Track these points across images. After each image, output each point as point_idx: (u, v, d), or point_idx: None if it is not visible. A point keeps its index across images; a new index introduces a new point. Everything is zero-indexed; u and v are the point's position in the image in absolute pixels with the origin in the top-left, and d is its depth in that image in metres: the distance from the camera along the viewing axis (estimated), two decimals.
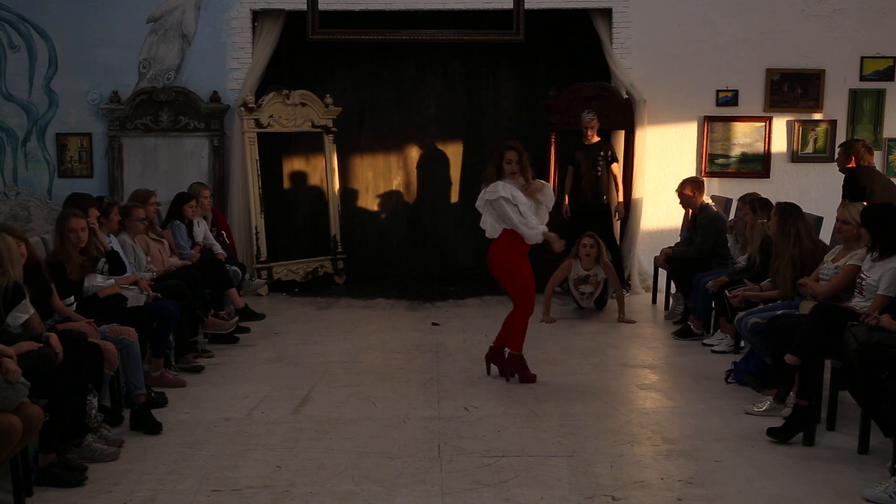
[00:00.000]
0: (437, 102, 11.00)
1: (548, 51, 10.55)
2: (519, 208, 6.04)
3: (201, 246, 7.86)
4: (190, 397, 5.95)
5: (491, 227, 6.17)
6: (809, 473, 4.64)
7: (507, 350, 6.30)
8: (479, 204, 6.24)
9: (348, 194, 10.87)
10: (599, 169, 9.25)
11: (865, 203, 6.30)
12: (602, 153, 9.27)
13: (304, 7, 7.54)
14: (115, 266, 6.13)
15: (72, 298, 5.57)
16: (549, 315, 8.14)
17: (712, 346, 7.15)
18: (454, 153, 11.09)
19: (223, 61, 9.76)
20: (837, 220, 5.76)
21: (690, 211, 8.24)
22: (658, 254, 8.67)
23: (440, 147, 11.09)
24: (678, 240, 8.54)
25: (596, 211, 9.31)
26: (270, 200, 9.99)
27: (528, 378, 6.22)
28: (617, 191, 9.43)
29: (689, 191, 8.04)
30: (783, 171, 9.84)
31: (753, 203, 6.98)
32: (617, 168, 9.39)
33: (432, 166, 11.08)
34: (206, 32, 9.72)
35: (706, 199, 8.22)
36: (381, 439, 5.13)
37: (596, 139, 9.29)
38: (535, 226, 6.08)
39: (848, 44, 9.68)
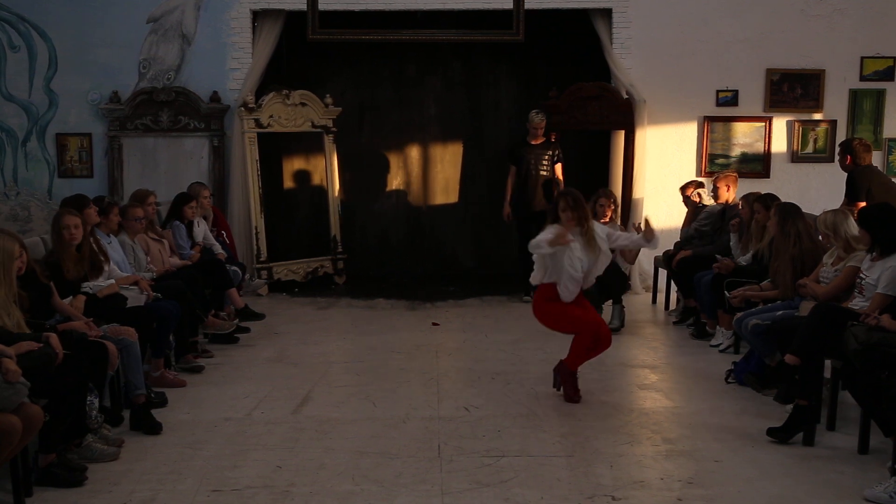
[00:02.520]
0: (437, 102, 11.00)
1: (548, 51, 10.54)
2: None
3: (201, 246, 7.86)
4: (190, 397, 5.95)
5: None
6: (809, 473, 4.64)
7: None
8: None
9: (348, 194, 10.87)
10: (545, 170, 9.09)
11: (864, 203, 6.31)
12: (549, 153, 9.13)
13: (304, 7, 7.54)
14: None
15: (70, 298, 5.57)
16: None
17: (719, 344, 7.14)
18: (454, 153, 11.10)
19: (223, 61, 9.75)
20: None
21: (694, 208, 8.25)
22: (658, 255, 8.66)
23: (440, 147, 11.09)
24: (678, 240, 8.53)
25: (543, 213, 9.15)
26: (270, 200, 9.98)
27: (570, 397, 5.82)
28: (556, 191, 9.30)
29: (721, 183, 7.97)
30: (783, 171, 9.84)
31: (765, 199, 6.97)
32: (560, 169, 9.18)
33: (432, 166, 11.08)
34: (205, 32, 9.71)
35: (706, 197, 8.26)
36: (381, 439, 5.13)
37: (542, 139, 9.14)
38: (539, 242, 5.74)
39: (848, 44, 9.68)
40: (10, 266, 4.64)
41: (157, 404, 5.63)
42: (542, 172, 9.13)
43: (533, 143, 9.16)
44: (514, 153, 9.25)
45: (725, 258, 7.16)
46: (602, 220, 7.65)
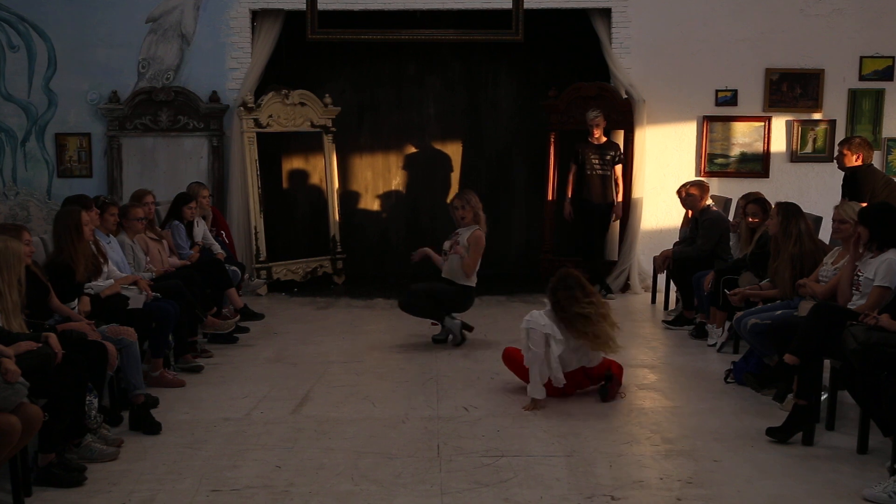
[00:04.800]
0: (436, 102, 11.00)
1: (547, 51, 10.55)
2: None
3: (200, 246, 7.86)
4: (189, 397, 5.95)
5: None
6: (809, 473, 4.64)
7: None
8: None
9: (347, 194, 10.87)
10: (604, 169, 9.22)
11: (865, 203, 6.30)
12: (611, 154, 9.27)
13: (304, 7, 7.54)
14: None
15: (75, 302, 5.56)
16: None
17: (715, 344, 7.15)
18: (454, 153, 11.09)
19: (222, 61, 9.75)
20: (834, 219, 5.76)
21: (690, 212, 8.24)
22: (657, 254, 8.65)
23: (440, 147, 11.08)
24: (677, 240, 8.54)
25: (602, 210, 9.32)
26: (270, 200, 9.99)
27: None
28: (616, 192, 9.44)
29: (694, 190, 8.02)
30: (782, 170, 9.84)
31: (761, 203, 7.01)
32: (620, 170, 9.38)
33: (432, 166, 11.07)
34: (205, 32, 9.72)
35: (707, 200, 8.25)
36: (381, 439, 5.13)
37: (604, 138, 9.31)
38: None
39: (847, 44, 9.68)
40: (20, 268, 4.63)
41: (150, 404, 5.60)
42: (599, 172, 9.22)
43: (594, 141, 9.25)
44: (575, 150, 9.35)
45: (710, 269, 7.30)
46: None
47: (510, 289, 9.61)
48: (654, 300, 9.09)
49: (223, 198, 9.60)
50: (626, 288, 9.57)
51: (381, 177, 11.09)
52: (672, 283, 8.44)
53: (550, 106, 9.83)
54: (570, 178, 9.39)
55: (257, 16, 9.79)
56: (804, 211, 6.42)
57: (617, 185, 9.41)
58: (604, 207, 9.34)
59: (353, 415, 5.59)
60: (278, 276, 9.68)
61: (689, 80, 9.73)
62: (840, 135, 9.50)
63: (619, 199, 9.49)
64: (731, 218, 8.12)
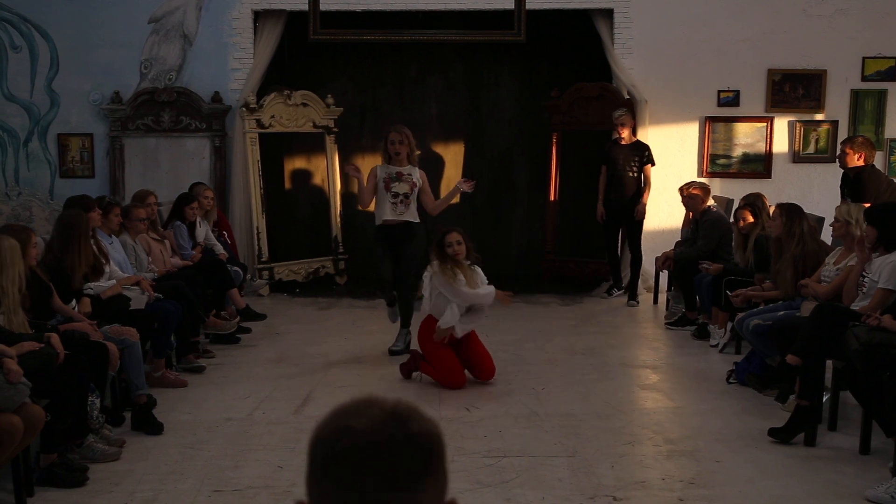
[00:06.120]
0: (438, 103, 11.00)
1: (549, 51, 10.54)
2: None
3: (202, 246, 7.86)
4: (191, 397, 5.95)
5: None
6: (811, 474, 4.64)
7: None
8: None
9: (350, 195, 10.85)
10: (633, 171, 8.93)
11: (869, 204, 6.30)
12: (639, 155, 8.99)
13: (306, 7, 7.55)
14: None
15: (73, 302, 5.56)
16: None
17: (717, 344, 7.15)
18: (455, 153, 11.09)
19: (224, 62, 9.76)
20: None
21: (691, 213, 8.24)
22: (659, 255, 8.64)
23: (441, 147, 11.08)
24: (678, 240, 8.53)
25: (632, 211, 9.04)
26: (272, 201, 9.99)
27: (407, 370, 6.42)
28: (645, 191, 9.13)
29: (696, 191, 8.00)
30: (785, 171, 9.83)
31: (752, 206, 7.02)
32: (649, 170, 9.05)
33: (433, 167, 11.04)
34: (207, 33, 9.72)
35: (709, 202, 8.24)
36: None
37: (632, 139, 9.06)
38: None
39: (849, 44, 9.67)
40: (19, 265, 4.63)
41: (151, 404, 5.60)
42: (630, 174, 8.95)
43: (622, 143, 9.01)
44: (604, 152, 9.07)
45: (715, 263, 7.29)
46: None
47: (511, 289, 9.49)
48: (655, 301, 9.08)
49: (225, 198, 9.60)
50: (632, 294, 9.22)
51: None
52: (667, 284, 8.42)
53: (552, 106, 9.82)
54: (602, 179, 9.05)
55: (259, 16, 9.79)
56: (806, 212, 6.43)
57: (646, 185, 9.08)
58: (632, 209, 9.03)
59: None
60: (280, 276, 9.68)
61: (692, 80, 9.71)
62: (843, 135, 9.44)
63: (645, 198, 9.14)
64: (731, 219, 8.11)
